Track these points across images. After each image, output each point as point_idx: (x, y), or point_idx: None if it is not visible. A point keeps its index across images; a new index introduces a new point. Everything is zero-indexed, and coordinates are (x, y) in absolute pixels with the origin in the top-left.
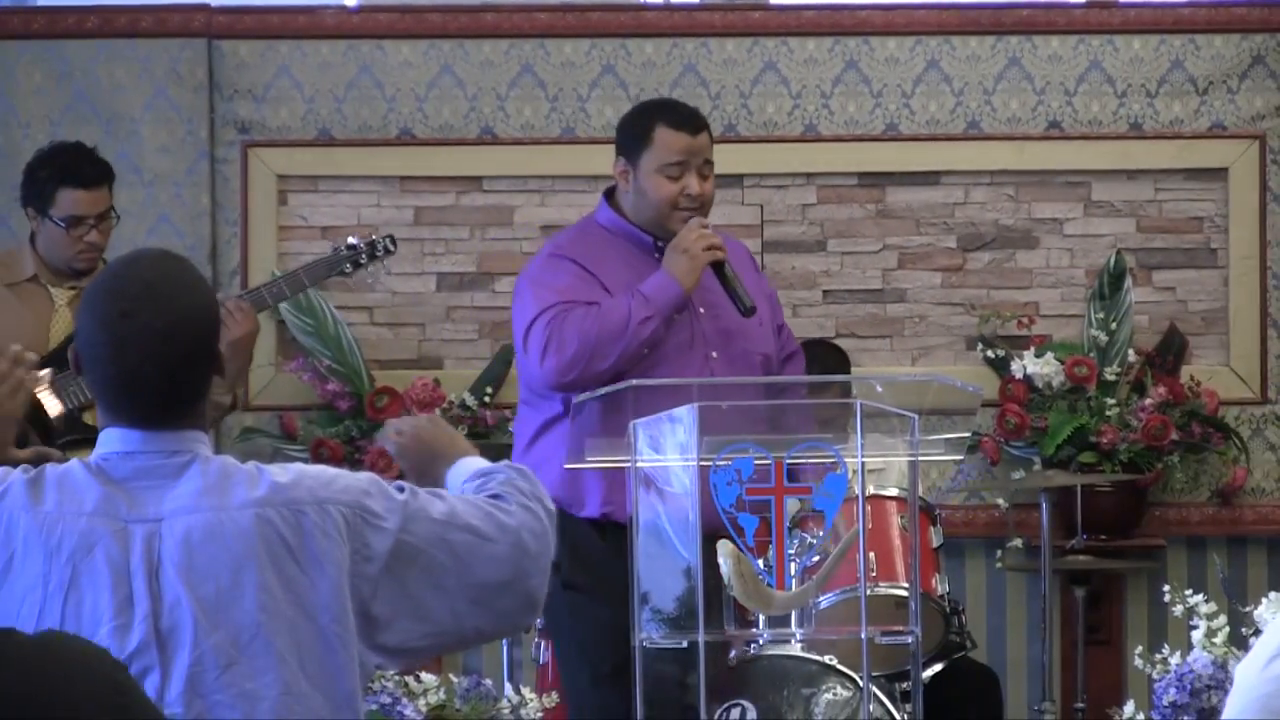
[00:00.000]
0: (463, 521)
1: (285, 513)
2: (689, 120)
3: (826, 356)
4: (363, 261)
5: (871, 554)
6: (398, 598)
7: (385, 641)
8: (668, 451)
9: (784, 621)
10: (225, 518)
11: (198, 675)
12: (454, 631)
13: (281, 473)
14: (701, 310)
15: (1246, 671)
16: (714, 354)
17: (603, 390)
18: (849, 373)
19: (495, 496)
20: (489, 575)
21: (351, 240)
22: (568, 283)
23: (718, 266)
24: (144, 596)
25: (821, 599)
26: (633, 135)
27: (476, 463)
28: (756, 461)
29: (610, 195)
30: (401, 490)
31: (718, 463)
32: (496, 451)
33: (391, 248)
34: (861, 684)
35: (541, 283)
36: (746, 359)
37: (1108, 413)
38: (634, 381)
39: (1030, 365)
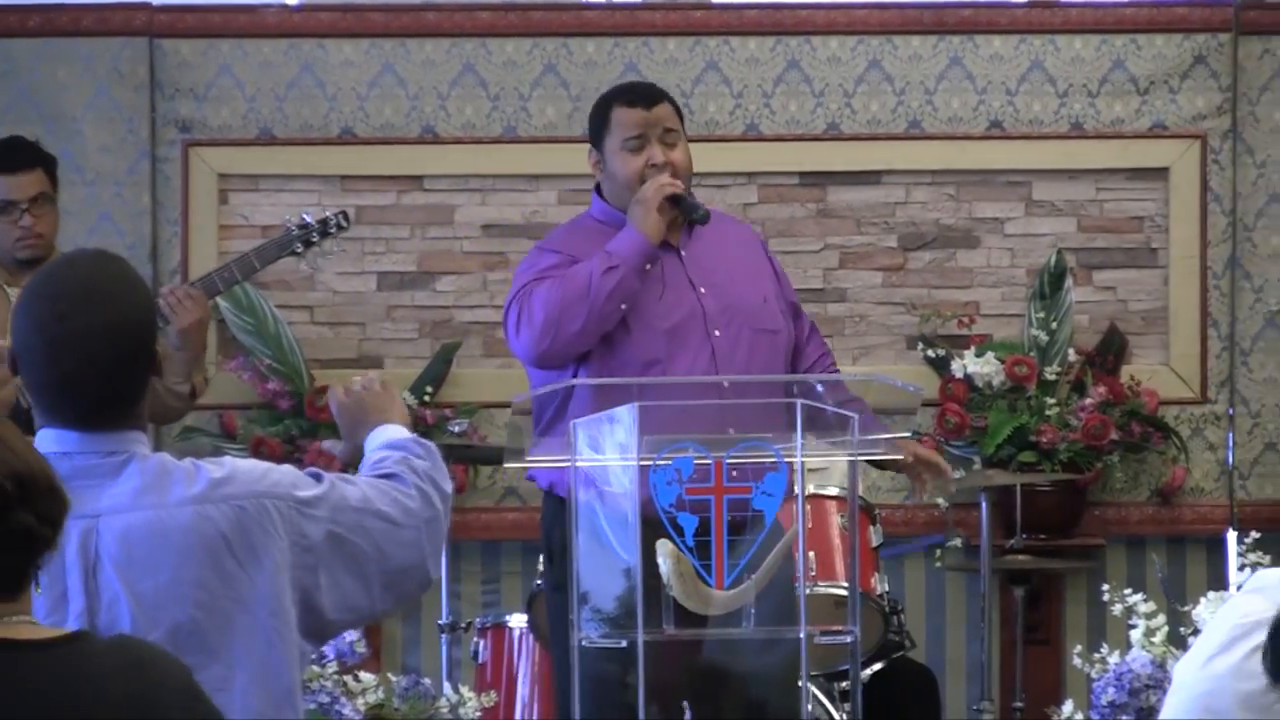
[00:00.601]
0: (376, 508)
1: (224, 509)
2: (643, 95)
3: None
4: (314, 239)
5: (811, 553)
6: (332, 587)
7: (320, 630)
8: (607, 451)
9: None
10: (164, 515)
11: None
12: (369, 615)
13: (217, 468)
14: (703, 290)
15: (1185, 670)
16: (717, 332)
17: (544, 389)
18: None
19: (391, 476)
20: (400, 560)
21: (305, 217)
22: (546, 267)
23: (676, 201)
24: (79, 594)
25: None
26: (596, 124)
27: (392, 432)
28: (696, 461)
29: (600, 190)
30: (319, 479)
31: (658, 462)
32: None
33: (345, 223)
34: (801, 684)
35: (521, 273)
36: (753, 336)
37: (1048, 412)
38: (574, 381)
39: (970, 365)
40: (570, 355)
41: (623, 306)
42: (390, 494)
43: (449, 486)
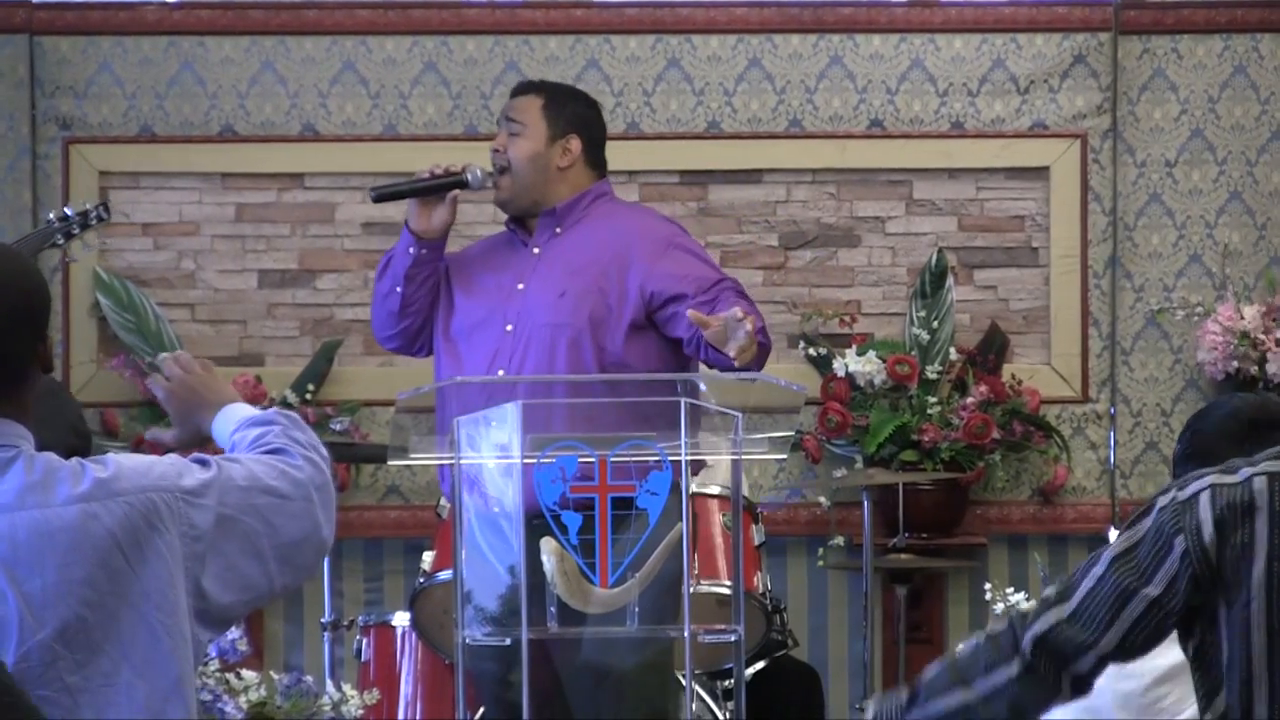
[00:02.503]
0: (263, 484)
1: (111, 506)
2: (517, 87)
3: None
4: (75, 231)
5: (694, 552)
6: (223, 570)
7: (216, 615)
8: (484, 450)
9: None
10: (50, 515)
11: (24, 671)
12: (267, 593)
13: (101, 468)
14: (521, 286)
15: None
16: (509, 327)
17: (426, 386)
18: None
19: (277, 451)
20: (293, 533)
21: (66, 210)
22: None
23: (436, 188)
24: None
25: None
26: None
27: (243, 410)
28: (581, 459)
29: None
30: (206, 465)
31: (541, 460)
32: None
33: (104, 215)
34: (684, 682)
35: None
36: (536, 331)
37: (929, 411)
38: (458, 379)
39: (852, 363)
40: (387, 339)
41: (397, 289)
42: (277, 467)
43: (326, 451)
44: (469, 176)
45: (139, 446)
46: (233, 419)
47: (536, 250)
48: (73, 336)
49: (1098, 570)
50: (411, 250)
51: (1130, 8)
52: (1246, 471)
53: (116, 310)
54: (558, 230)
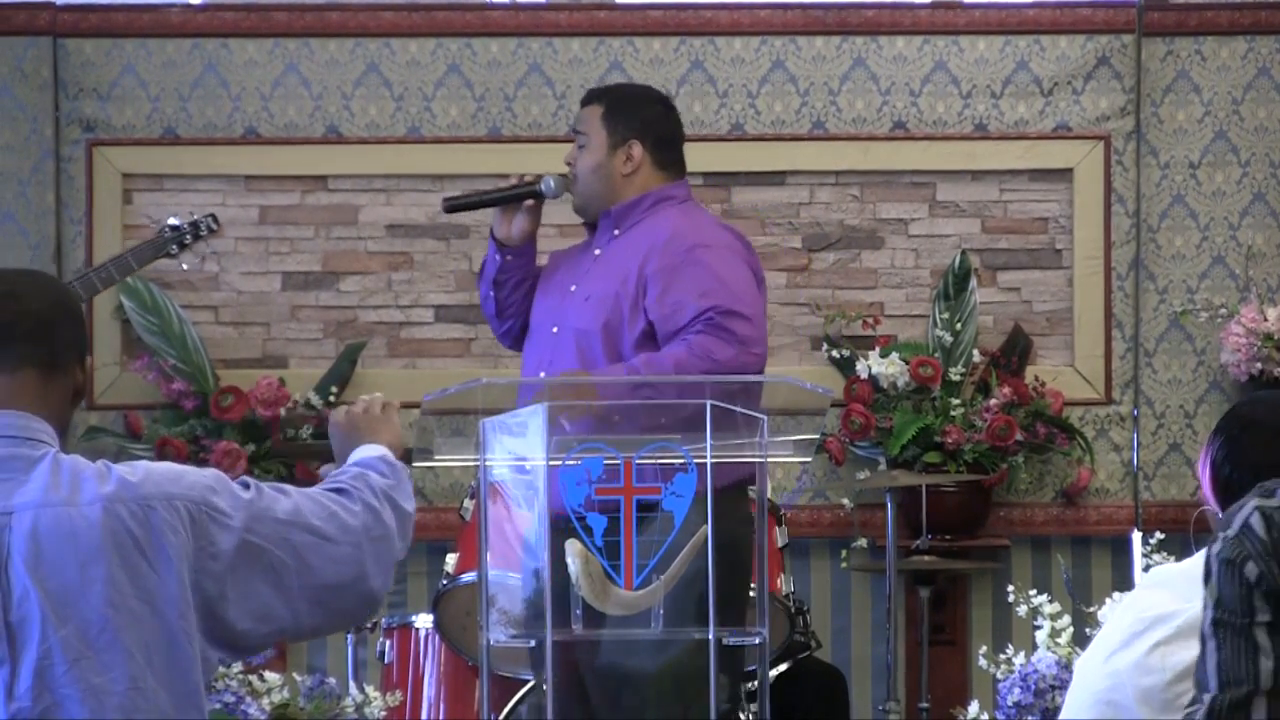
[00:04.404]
0: (305, 521)
1: (134, 508)
2: (584, 96)
3: None
4: (187, 241)
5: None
6: (243, 598)
7: (230, 640)
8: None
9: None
10: (74, 513)
11: (46, 669)
12: (293, 630)
13: (130, 471)
14: (573, 288)
15: (1086, 667)
16: (555, 329)
17: (452, 388)
18: None
19: (340, 491)
20: (330, 576)
21: (173, 221)
22: None
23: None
24: None
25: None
26: None
27: (369, 450)
28: (606, 461)
29: None
30: (247, 487)
31: (567, 462)
32: None
33: (214, 226)
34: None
35: None
36: (565, 335)
37: (952, 413)
38: (484, 380)
39: (875, 365)
40: (501, 338)
41: (490, 294)
42: (329, 508)
43: (410, 506)
44: (542, 186)
45: (162, 449)
46: (355, 456)
47: (597, 252)
48: (96, 339)
49: (1208, 648)
50: (497, 257)
51: (1154, 9)
52: None
53: (140, 312)
54: (616, 233)
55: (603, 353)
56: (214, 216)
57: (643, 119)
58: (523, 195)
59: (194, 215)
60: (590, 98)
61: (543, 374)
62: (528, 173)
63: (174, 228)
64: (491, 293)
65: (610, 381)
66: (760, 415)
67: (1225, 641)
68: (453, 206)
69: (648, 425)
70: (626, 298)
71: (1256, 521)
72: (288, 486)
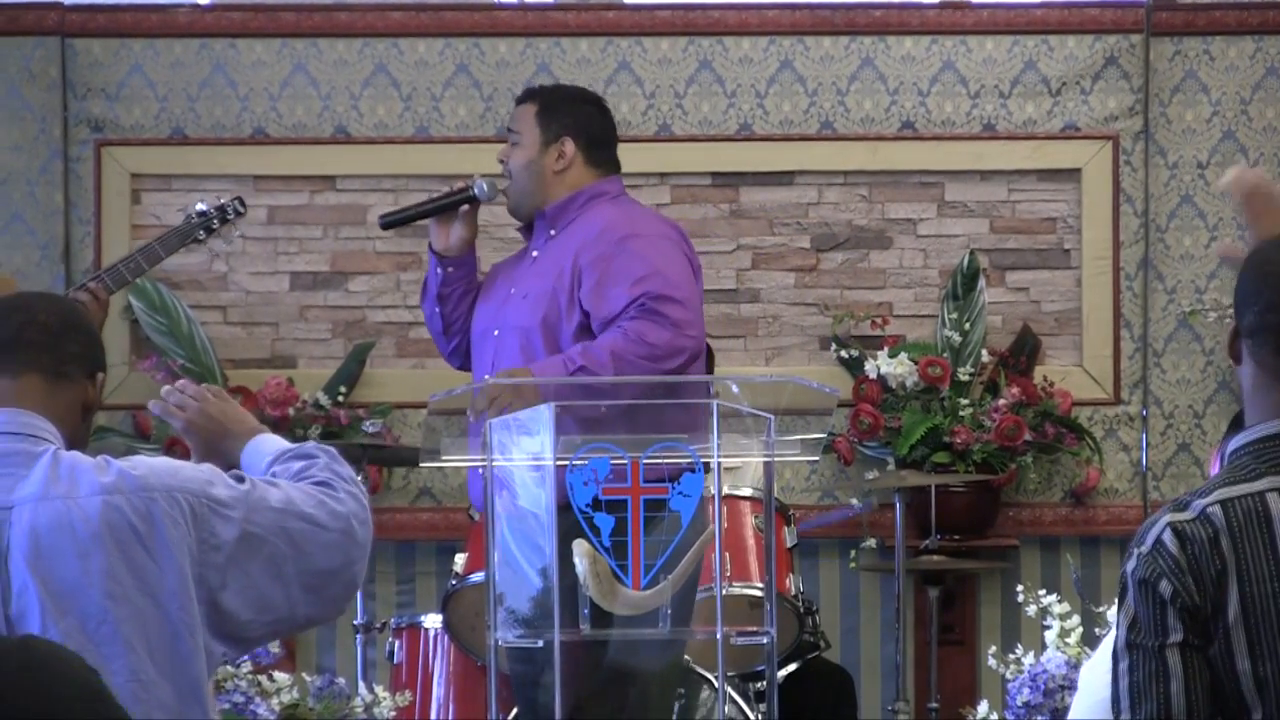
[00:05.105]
0: (299, 510)
1: (135, 500)
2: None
3: None
4: (215, 226)
5: (726, 554)
6: (244, 588)
7: (231, 631)
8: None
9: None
10: (73, 505)
11: None
12: (288, 619)
13: (130, 464)
14: (512, 290)
15: (1091, 673)
16: (496, 331)
17: (459, 389)
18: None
19: (322, 484)
20: (323, 563)
21: (200, 206)
22: None
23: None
24: None
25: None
26: None
27: (275, 442)
28: (613, 461)
29: None
30: (241, 480)
31: (574, 462)
32: (358, 452)
33: (241, 209)
34: (716, 684)
35: None
36: (506, 335)
37: (961, 413)
38: (489, 380)
39: (884, 365)
40: (449, 358)
41: (436, 310)
42: (317, 497)
43: (363, 488)
44: (475, 190)
45: (171, 448)
46: (266, 450)
47: (535, 254)
48: (105, 339)
49: (1122, 665)
50: (438, 271)
51: (1162, 9)
52: (1199, 504)
53: (148, 312)
54: (552, 233)
55: (543, 348)
56: (240, 199)
57: (575, 117)
58: (457, 202)
59: (220, 199)
60: (524, 97)
61: (486, 376)
62: (459, 179)
63: (201, 213)
64: (437, 309)
65: (552, 381)
66: (767, 415)
67: (1138, 663)
68: (389, 222)
69: (589, 420)
70: (563, 291)
71: (1169, 538)
72: (273, 479)
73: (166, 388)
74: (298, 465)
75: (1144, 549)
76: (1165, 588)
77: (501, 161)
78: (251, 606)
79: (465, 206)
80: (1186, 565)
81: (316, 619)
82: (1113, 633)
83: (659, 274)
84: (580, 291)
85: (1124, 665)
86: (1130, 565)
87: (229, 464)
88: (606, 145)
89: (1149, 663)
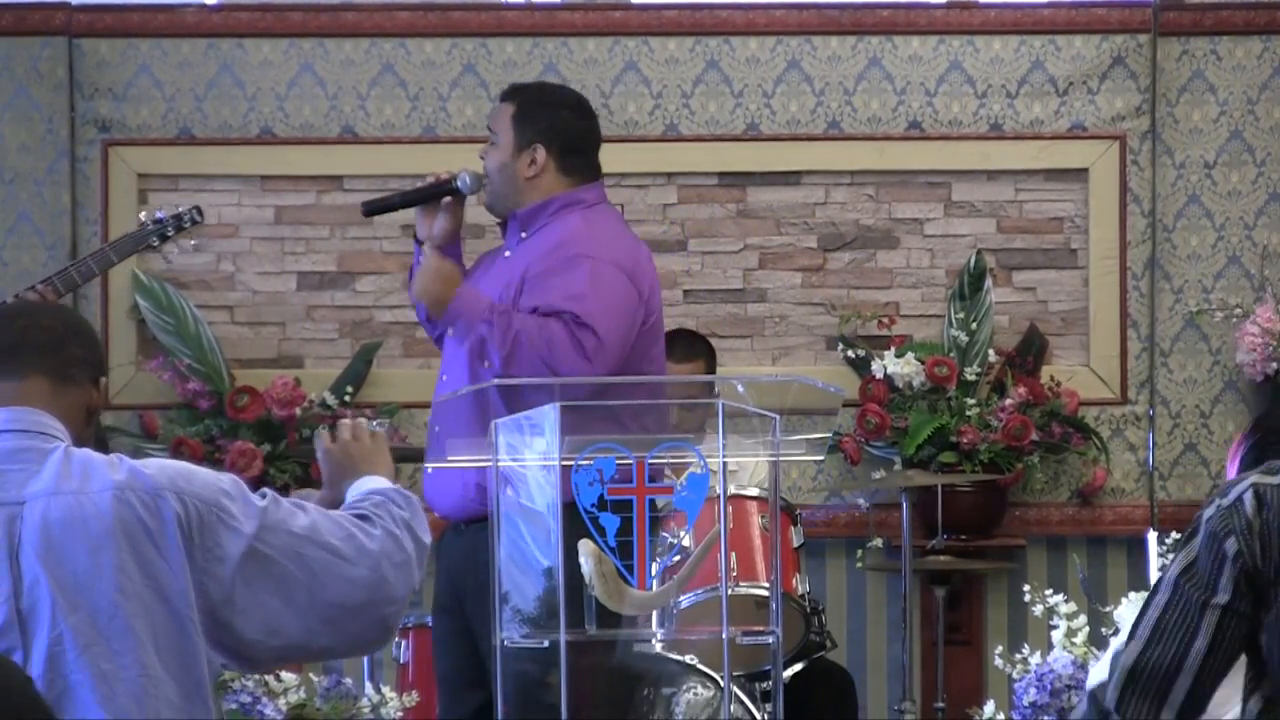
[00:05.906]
0: (322, 539)
1: (145, 497)
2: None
3: (692, 343)
4: (170, 234)
5: (732, 554)
6: (251, 607)
7: (235, 648)
8: (524, 453)
9: (645, 621)
10: (85, 501)
11: (57, 655)
12: (303, 646)
13: (144, 463)
14: (480, 287)
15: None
16: (450, 331)
17: (464, 389)
18: (715, 361)
19: (363, 517)
20: (342, 596)
21: (159, 214)
22: None
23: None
24: (4, 577)
25: (682, 599)
26: None
27: (376, 482)
28: (619, 461)
29: None
30: (264, 497)
31: (579, 462)
32: None
33: (198, 218)
34: (722, 684)
35: None
36: (462, 336)
37: (968, 413)
38: (494, 381)
39: (890, 365)
40: (436, 342)
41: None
42: (347, 529)
43: (427, 539)
44: (459, 183)
45: (177, 449)
46: (360, 488)
47: (508, 254)
48: (111, 339)
49: (1161, 597)
50: (421, 260)
51: (1169, 9)
52: None
53: (155, 312)
54: (523, 235)
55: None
56: (198, 208)
57: (550, 124)
58: (440, 193)
59: (179, 208)
60: (505, 95)
61: (444, 377)
62: (444, 170)
63: (158, 220)
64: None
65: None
66: (773, 414)
67: (1174, 605)
68: (372, 209)
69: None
70: (509, 300)
71: (1249, 498)
72: (308, 505)
73: (344, 421)
74: (356, 498)
75: (1225, 501)
76: (1230, 545)
77: (481, 158)
78: (260, 628)
79: (448, 198)
80: (1258, 529)
81: (340, 652)
82: (1124, 634)
83: (591, 301)
84: (521, 300)
85: (1161, 599)
86: (1208, 512)
87: (339, 499)
88: (582, 152)
89: (1187, 612)
